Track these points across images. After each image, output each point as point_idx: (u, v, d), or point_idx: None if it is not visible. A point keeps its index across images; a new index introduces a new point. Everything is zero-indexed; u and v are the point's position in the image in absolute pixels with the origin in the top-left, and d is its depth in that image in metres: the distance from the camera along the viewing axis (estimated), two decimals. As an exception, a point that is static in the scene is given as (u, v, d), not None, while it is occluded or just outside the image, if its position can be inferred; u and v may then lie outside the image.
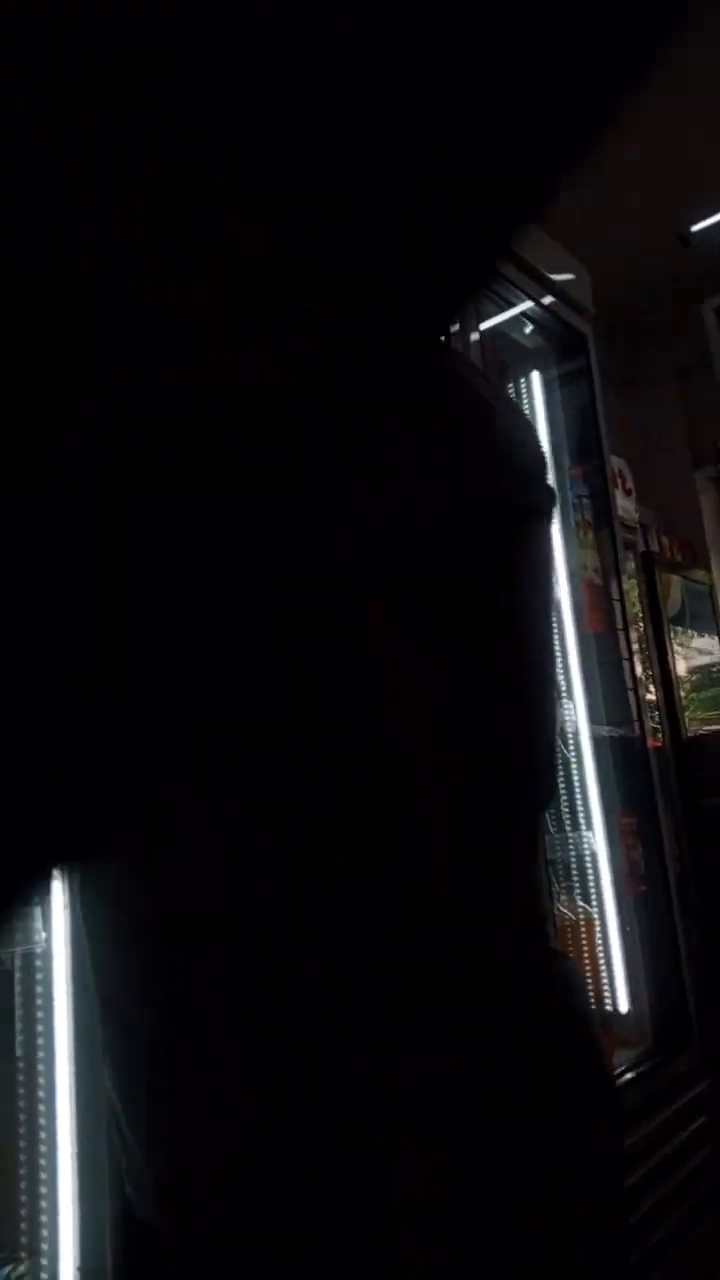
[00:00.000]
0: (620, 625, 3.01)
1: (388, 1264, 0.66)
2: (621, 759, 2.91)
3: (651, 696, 4.28)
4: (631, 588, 4.36)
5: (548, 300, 3.03)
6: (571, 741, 2.91)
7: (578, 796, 2.89)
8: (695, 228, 5.06)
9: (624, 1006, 2.70)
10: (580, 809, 2.88)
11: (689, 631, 4.79)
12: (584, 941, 2.62)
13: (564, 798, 2.87)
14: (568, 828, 2.83)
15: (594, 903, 2.80)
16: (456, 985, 0.71)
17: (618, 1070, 2.41)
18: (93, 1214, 1.46)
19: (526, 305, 3.01)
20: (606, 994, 2.71)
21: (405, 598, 0.71)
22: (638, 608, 4.38)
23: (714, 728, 4.70)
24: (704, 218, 5.06)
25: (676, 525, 5.79)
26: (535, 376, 3.26)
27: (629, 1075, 2.40)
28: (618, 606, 3.04)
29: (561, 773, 2.85)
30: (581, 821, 2.85)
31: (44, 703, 0.34)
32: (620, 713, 2.94)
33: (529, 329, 3.13)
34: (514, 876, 0.78)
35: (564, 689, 2.92)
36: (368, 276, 0.33)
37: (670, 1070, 2.50)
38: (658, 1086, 2.43)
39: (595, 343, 3.22)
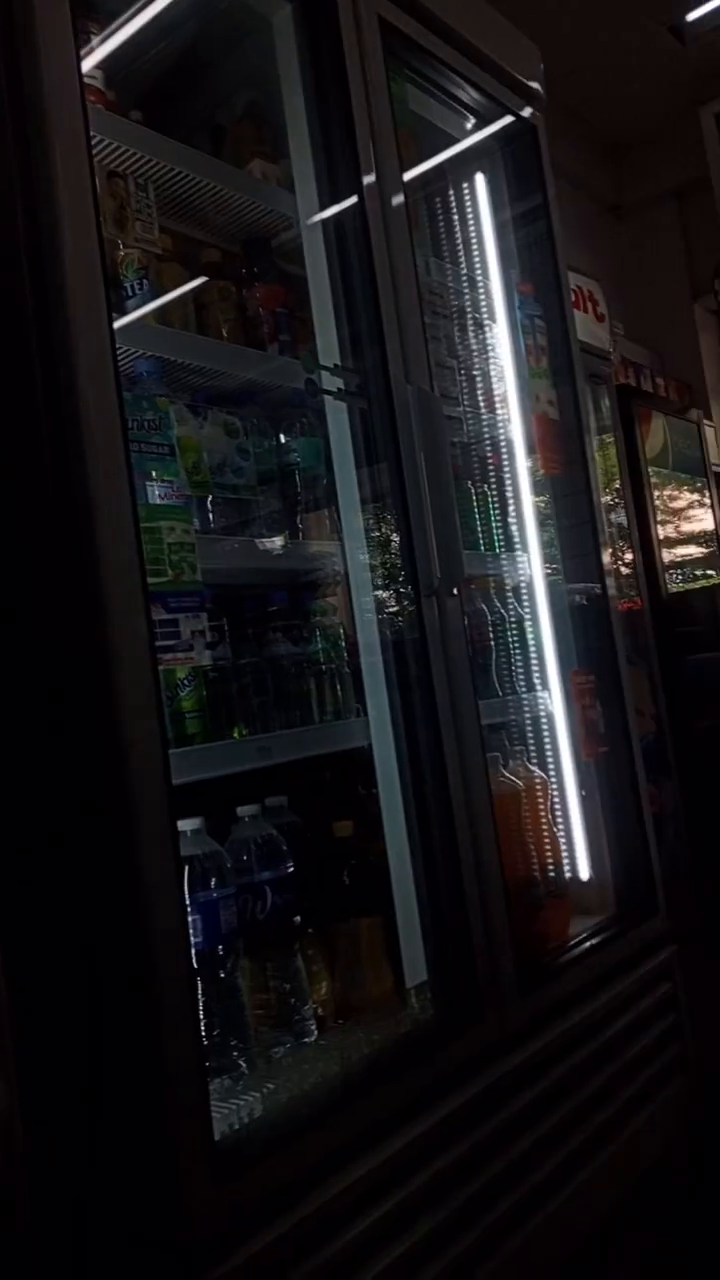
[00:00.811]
0: (581, 462, 2.69)
1: None
2: (581, 615, 2.68)
3: (624, 551, 3.97)
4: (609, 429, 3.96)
5: (485, 82, 2.56)
6: (525, 595, 2.67)
7: (532, 656, 2.64)
8: (691, 16, 4.08)
9: (584, 873, 2.61)
10: (535, 669, 2.64)
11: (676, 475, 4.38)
12: (540, 808, 2.45)
13: (518, 657, 2.63)
14: (522, 689, 2.60)
15: (550, 767, 2.63)
16: None
17: (576, 938, 2.34)
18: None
19: (463, 91, 2.54)
20: (566, 861, 2.59)
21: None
22: (613, 450, 4.01)
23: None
24: (701, 4, 4.01)
25: (673, 365, 5.41)
26: (479, 180, 2.78)
27: (587, 943, 2.33)
28: (582, 443, 2.70)
29: (515, 630, 2.62)
30: (536, 683, 2.63)
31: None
32: (582, 565, 2.68)
33: (470, 123, 2.68)
34: None
35: (517, 539, 2.67)
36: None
37: (634, 937, 2.44)
38: (620, 954, 2.38)
39: (545, 134, 2.76)
